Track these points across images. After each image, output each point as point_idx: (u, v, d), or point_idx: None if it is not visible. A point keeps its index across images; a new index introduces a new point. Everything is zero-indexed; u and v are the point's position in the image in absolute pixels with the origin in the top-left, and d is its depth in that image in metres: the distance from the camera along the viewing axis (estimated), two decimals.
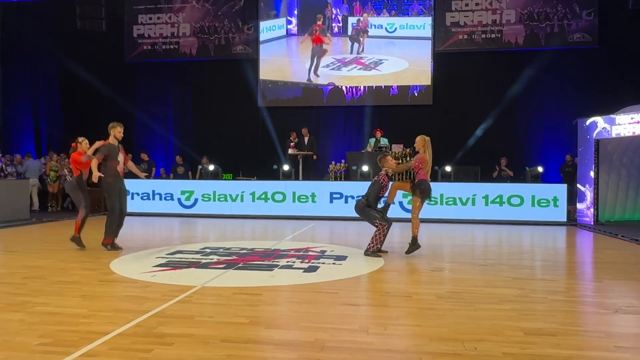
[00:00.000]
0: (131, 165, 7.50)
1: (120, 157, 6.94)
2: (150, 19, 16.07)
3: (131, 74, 16.29)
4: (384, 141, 12.87)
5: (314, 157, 13.47)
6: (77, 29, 14.72)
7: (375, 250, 6.57)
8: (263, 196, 12.17)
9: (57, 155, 14.14)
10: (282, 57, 15.50)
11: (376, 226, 6.60)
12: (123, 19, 16.09)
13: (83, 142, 7.11)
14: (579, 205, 11.40)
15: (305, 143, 13.54)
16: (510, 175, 12.97)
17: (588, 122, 11.22)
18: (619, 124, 10.66)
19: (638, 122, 10.31)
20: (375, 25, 15.05)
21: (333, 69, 15.13)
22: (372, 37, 15.01)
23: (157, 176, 14.35)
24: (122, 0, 16.04)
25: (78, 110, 15.89)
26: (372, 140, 13.06)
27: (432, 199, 6.75)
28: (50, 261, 6.13)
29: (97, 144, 6.87)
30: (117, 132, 6.92)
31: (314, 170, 14.03)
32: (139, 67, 16.33)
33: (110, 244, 6.89)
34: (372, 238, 6.62)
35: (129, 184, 12.45)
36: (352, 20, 15.09)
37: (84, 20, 14.58)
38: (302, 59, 15.32)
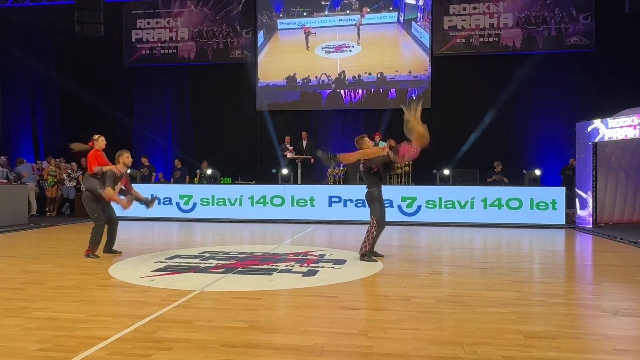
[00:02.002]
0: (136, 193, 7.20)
1: (118, 186, 6.83)
2: (148, 23, 16.10)
3: (130, 78, 16.32)
4: (381, 144, 12.87)
5: (311, 160, 13.49)
6: (76, 34, 14.75)
7: (367, 251, 6.51)
8: (262, 200, 12.17)
9: (55, 160, 14.14)
10: (281, 61, 15.53)
11: (370, 223, 6.52)
12: (121, 24, 16.13)
13: (99, 139, 6.89)
14: (581, 212, 11.34)
15: (304, 147, 13.55)
16: (505, 181, 12.97)
17: (589, 128, 11.21)
18: (611, 128, 10.70)
19: (629, 126, 10.34)
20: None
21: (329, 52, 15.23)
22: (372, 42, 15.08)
23: (157, 180, 14.35)
24: (120, 5, 16.09)
25: (76, 115, 15.91)
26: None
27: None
28: (49, 266, 6.11)
29: (106, 167, 6.72)
30: (124, 158, 6.83)
31: (312, 174, 14.03)
32: (137, 71, 16.35)
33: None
34: (363, 240, 6.54)
35: None
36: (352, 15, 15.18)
37: (83, 25, 14.60)
38: (301, 63, 15.35)
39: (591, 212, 11.11)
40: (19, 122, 16.64)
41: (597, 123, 11.02)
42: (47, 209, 13.68)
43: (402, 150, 6.33)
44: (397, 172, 12.53)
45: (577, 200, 11.54)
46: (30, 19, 16.24)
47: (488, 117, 13.90)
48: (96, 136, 6.95)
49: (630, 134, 10.32)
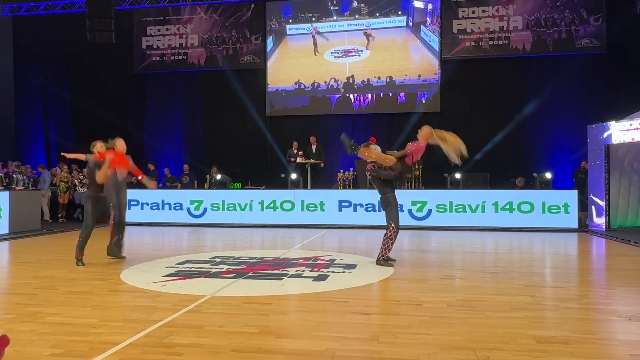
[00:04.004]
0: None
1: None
2: (158, 30, 16.25)
3: (140, 84, 16.46)
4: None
5: (321, 164, 13.49)
6: (87, 41, 14.94)
7: (386, 258, 6.49)
8: (272, 205, 12.19)
9: (67, 167, 14.29)
10: (290, 67, 15.58)
11: (389, 228, 6.39)
12: (132, 31, 16.30)
13: (117, 142, 6.84)
14: (597, 220, 11.08)
15: (313, 152, 13.57)
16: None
17: (605, 134, 11.02)
18: (620, 131, 10.57)
19: (637, 129, 10.20)
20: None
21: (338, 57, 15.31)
22: (379, 43, 15.09)
23: (164, 186, 14.40)
24: (131, 13, 16.26)
25: (88, 121, 16.06)
26: None
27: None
28: (61, 272, 6.16)
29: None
30: (98, 147, 6.73)
31: (322, 179, 14.04)
32: (148, 78, 16.49)
33: (78, 258, 6.59)
34: (382, 246, 6.52)
35: (139, 194, 12.65)
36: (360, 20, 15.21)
37: (94, 33, 14.79)
38: (310, 68, 15.40)
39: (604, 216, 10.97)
40: (33, 128, 16.85)
41: (612, 127, 10.80)
42: (59, 215, 13.83)
43: (411, 151, 6.29)
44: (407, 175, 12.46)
45: (592, 207, 11.33)
46: (42, 27, 16.47)
47: (498, 121, 13.82)
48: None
49: (638, 137, 10.19)
